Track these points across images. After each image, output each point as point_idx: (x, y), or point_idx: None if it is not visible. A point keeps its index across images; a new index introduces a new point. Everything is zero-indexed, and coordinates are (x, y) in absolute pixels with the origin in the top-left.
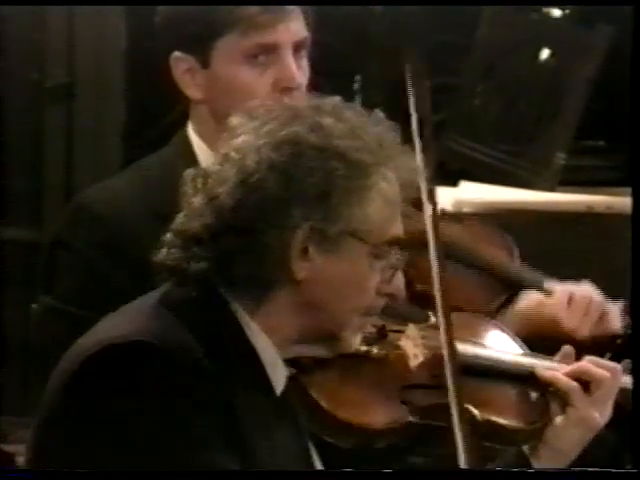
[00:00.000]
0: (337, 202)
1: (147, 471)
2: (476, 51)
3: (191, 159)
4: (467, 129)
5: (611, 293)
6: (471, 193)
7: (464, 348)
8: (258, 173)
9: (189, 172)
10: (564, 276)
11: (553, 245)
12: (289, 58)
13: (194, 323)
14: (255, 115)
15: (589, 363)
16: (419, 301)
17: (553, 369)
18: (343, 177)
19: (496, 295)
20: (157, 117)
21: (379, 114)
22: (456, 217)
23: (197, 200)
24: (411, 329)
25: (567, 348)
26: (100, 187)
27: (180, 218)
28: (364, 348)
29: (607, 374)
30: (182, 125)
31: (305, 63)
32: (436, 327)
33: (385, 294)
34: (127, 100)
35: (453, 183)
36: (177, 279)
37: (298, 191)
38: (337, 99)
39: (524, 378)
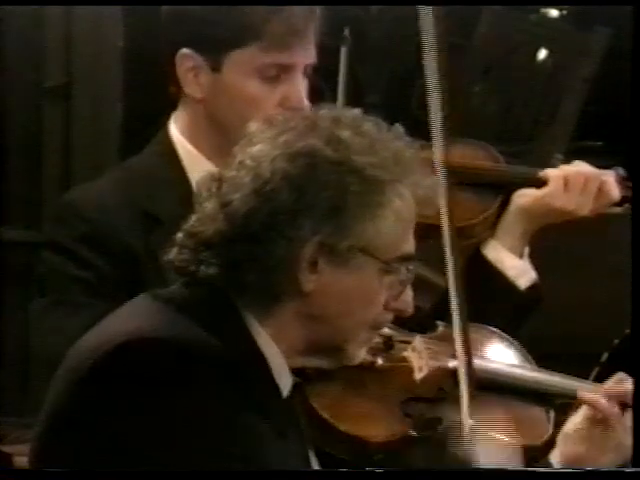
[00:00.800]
0: (349, 217)
1: (148, 471)
2: (474, 52)
3: (173, 158)
4: (465, 130)
5: (609, 292)
6: None
7: (480, 364)
8: (272, 183)
9: (205, 176)
10: (561, 276)
11: (550, 244)
12: (300, 79)
13: (205, 322)
14: (274, 123)
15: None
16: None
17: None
18: (357, 193)
19: (490, 202)
20: (155, 117)
21: (399, 129)
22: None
23: (210, 205)
24: (418, 341)
25: (621, 375)
26: (84, 186)
27: (192, 221)
28: (369, 359)
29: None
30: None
31: (306, 84)
32: (443, 338)
33: (393, 309)
34: (125, 100)
35: None
36: (186, 280)
37: (310, 204)
38: (357, 111)
39: (545, 397)
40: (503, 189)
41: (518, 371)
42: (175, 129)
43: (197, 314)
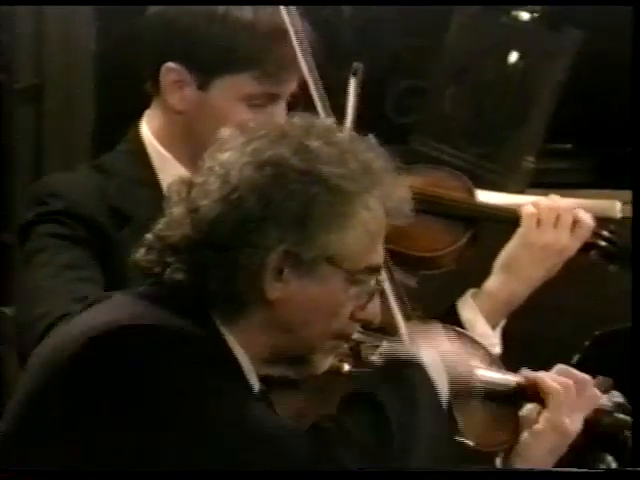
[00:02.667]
0: (315, 227)
1: (147, 471)
2: (446, 54)
3: (143, 158)
4: (437, 132)
5: (582, 293)
6: None
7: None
8: (239, 191)
9: (176, 180)
10: None
11: None
12: (283, 108)
13: (179, 315)
14: (245, 130)
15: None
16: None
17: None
18: (323, 203)
19: (459, 235)
20: (127, 118)
21: (372, 139)
22: (411, 169)
23: (178, 209)
24: (385, 346)
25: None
26: (57, 175)
27: (161, 224)
28: (336, 364)
29: (558, 386)
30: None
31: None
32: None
33: (360, 319)
34: (97, 101)
35: None
36: (154, 281)
37: (276, 213)
38: (330, 121)
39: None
40: (474, 223)
41: (487, 374)
42: (147, 129)
43: (170, 308)
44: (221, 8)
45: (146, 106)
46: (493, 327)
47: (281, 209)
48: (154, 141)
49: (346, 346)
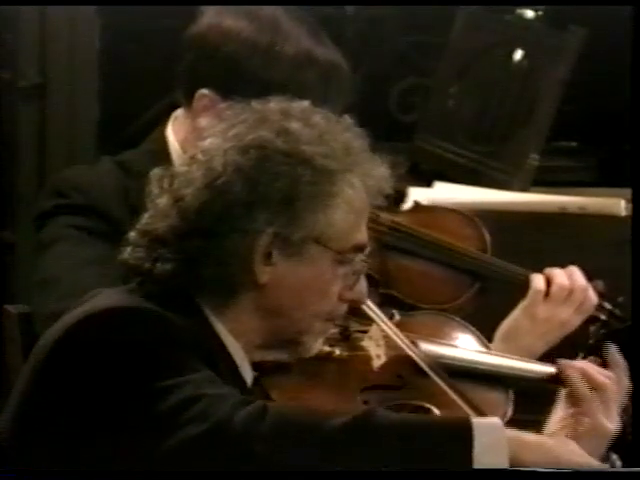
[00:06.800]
0: (302, 208)
1: (146, 471)
2: (450, 52)
3: (166, 160)
4: (441, 130)
5: None
6: (445, 194)
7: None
8: (224, 176)
9: (156, 172)
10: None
11: (526, 246)
12: None
13: (166, 305)
14: (223, 117)
15: (590, 368)
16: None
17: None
18: (309, 183)
19: (466, 289)
20: (130, 117)
21: (348, 120)
22: (427, 208)
23: (163, 201)
24: (374, 330)
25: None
26: (81, 167)
27: (145, 218)
28: (327, 349)
29: (607, 380)
30: (157, 125)
31: None
32: (400, 326)
33: (348, 300)
34: (100, 100)
35: (427, 184)
36: (141, 279)
37: (263, 196)
38: (306, 103)
39: (505, 380)
40: (482, 279)
41: (476, 355)
42: (172, 134)
43: (158, 299)
44: (264, 39)
45: (148, 106)
46: None
47: (267, 191)
48: (177, 147)
49: (336, 331)
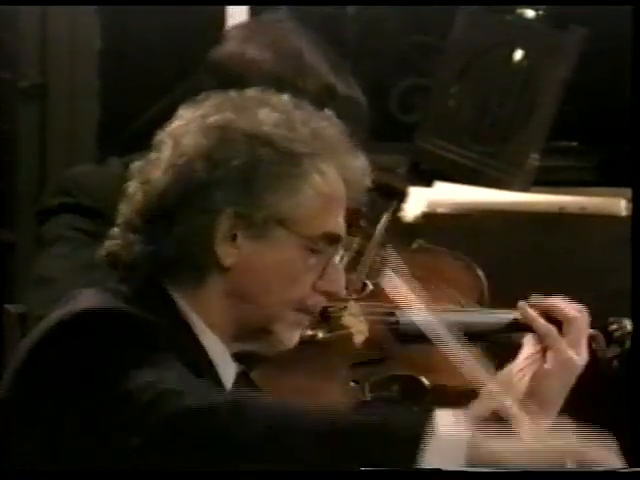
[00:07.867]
0: (262, 187)
1: (145, 471)
2: (450, 52)
3: None
4: (441, 130)
5: (583, 294)
6: (445, 194)
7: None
8: (186, 156)
9: (136, 164)
10: (536, 282)
11: (526, 246)
12: None
13: (137, 300)
14: (197, 104)
15: (559, 302)
16: None
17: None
18: (269, 163)
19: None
20: (131, 118)
21: (328, 113)
22: (425, 249)
23: (132, 186)
24: (352, 305)
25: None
26: (87, 166)
27: (120, 209)
28: (309, 333)
29: (577, 313)
30: (157, 125)
31: None
32: (374, 296)
33: (322, 291)
34: (101, 101)
35: (427, 184)
36: (118, 273)
37: (222, 175)
38: (286, 96)
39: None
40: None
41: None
42: None
43: (133, 302)
44: (287, 73)
45: (148, 106)
46: None
47: (227, 170)
48: None
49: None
